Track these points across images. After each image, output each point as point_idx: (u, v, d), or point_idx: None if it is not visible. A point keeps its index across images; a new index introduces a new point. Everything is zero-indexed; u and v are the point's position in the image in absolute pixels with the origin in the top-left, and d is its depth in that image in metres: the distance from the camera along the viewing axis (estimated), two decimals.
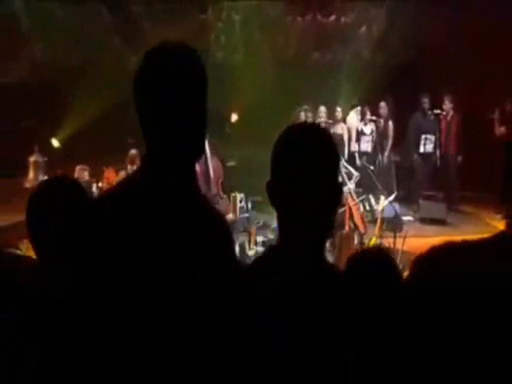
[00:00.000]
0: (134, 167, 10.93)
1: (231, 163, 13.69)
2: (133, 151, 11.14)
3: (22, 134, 12.07)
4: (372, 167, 11.22)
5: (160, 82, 2.26)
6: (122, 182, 2.48)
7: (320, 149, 2.23)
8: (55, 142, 12.34)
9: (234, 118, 14.49)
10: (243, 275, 2.32)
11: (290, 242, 2.23)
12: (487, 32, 13.75)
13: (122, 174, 11.09)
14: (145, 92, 2.29)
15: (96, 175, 11.07)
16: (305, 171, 2.18)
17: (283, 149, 2.26)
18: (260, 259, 2.33)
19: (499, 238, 2.27)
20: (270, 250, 2.34)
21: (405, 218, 13.53)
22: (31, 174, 10.72)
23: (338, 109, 14.21)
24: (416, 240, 12.57)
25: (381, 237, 10.82)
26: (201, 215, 2.36)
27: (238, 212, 11.46)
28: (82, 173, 10.97)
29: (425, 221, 13.63)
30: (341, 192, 2.30)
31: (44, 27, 13.63)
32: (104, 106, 12.57)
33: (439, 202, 13.82)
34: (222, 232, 2.45)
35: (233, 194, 11.64)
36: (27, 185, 10.23)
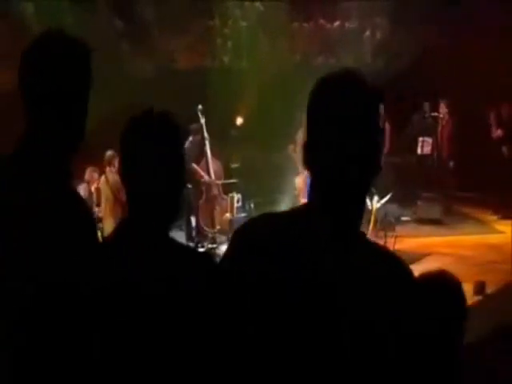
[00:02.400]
0: (112, 169, 10.82)
1: (235, 165, 13.92)
2: (109, 152, 10.93)
3: None
4: None
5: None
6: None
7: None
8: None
9: (240, 121, 14.83)
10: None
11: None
12: (486, 35, 13.96)
13: (102, 177, 11.08)
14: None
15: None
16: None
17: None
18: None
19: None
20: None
21: (403, 219, 13.82)
22: None
23: None
24: (413, 240, 12.77)
25: (374, 236, 10.67)
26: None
27: (234, 212, 11.78)
28: (92, 174, 11.26)
29: (422, 221, 13.79)
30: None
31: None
32: (111, 108, 12.86)
33: (436, 203, 13.97)
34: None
35: (230, 195, 11.98)
36: None
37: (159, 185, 2.36)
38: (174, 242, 2.44)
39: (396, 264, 2.12)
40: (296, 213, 2.16)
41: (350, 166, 2.01)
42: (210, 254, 8.74)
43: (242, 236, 2.17)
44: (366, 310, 1.98)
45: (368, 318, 1.98)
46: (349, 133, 2.01)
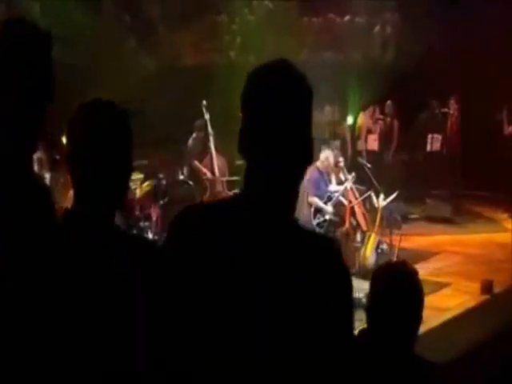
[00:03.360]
0: None
1: (240, 162, 13.62)
2: None
3: None
4: (369, 165, 11.26)
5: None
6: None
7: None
8: (65, 140, 12.48)
9: None
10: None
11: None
12: (496, 32, 13.81)
13: None
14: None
15: None
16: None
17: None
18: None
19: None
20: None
21: (411, 217, 13.65)
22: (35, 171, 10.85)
23: (342, 109, 14.34)
24: (422, 239, 12.65)
25: (380, 234, 10.79)
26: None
27: None
28: None
29: (431, 219, 13.61)
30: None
31: (59, 28, 13.82)
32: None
33: (446, 201, 13.82)
34: None
35: (233, 191, 11.71)
36: None
37: (104, 172, 2.35)
38: (118, 229, 2.47)
39: (327, 247, 2.16)
40: (231, 200, 2.22)
41: (281, 155, 2.05)
42: (154, 241, 8.56)
43: (177, 224, 2.17)
44: (296, 294, 2.02)
45: (299, 302, 2.03)
46: (280, 123, 2.05)
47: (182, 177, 11.32)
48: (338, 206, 10.56)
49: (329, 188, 10.47)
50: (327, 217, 10.30)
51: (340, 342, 2.13)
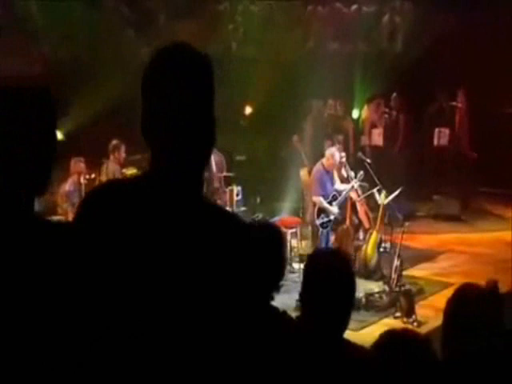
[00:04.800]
0: (116, 156, 11.05)
1: (241, 157, 13.48)
2: (114, 141, 11.04)
3: None
4: (369, 160, 10.91)
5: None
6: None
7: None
8: (58, 135, 12.25)
9: (248, 110, 14.28)
10: None
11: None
12: (506, 24, 13.43)
13: (103, 166, 11.03)
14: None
15: (95, 167, 10.96)
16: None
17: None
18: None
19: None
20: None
21: (418, 214, 13.49)
22: None
23: (346, 103, 13.97)
24: (428, 237, 12.49)
25: (383, 233, 10.55)
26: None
27: (234, 206, 11.27)
28: (77, 164, 10.88)
29: (438, 217, 13.41)
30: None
31: (57, 22, 13.62)
32: (110, 99, 12.50)
33: (454, 198, 13.57)
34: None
35: (230, 188, 11.44)
36: None
37: (24, 156, 2.22)
38: (36, 217, 2.35)
39: (234, 223, 2.22)
40: (139, 180, 2.23)
41: (181, 136, 2.10)
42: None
43: (86, 204, 2.20)
44: (200, 267, 2.07)
45: (203, 275, 2.07)
46: (179, 104, 2.09)
47: None
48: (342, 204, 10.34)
49: (334, 187, 10.10)
50: (332, 217, 10.00)
51: (241, 311, 2.17)
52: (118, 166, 11.03)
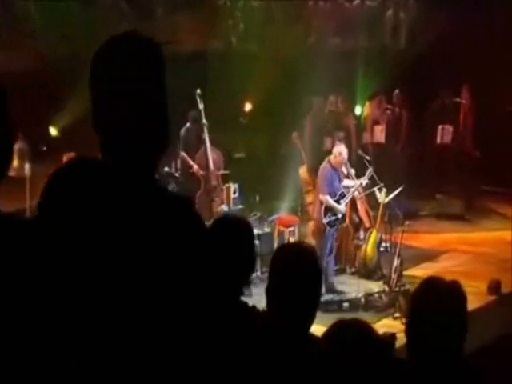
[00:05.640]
0: None
1: (239, 155, 13.33)
2: None
3: None
4: (368, 157, 10.73)
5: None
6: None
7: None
8: (53, 131, 12.15)
9: (248, 107, 14.06)
10: None
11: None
12: (511, 22, 13.24)
13: None
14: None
15: None
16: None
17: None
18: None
19: None
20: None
21: (421, 213, 13.38)
22: (16, 162, 10.45)
23: (348, 99, 13.76)
24: (430, 236, 12.39)
25: (383, 232, 10.51)
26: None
27: (231, 203, 11.07)
28: None
29: (441, 216, 13.25)
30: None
31: (56, 20, 13.51)
32: None
33: (457, 197, 13.41)
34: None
35: (226, 185, 11.24)
36: (12, 173, 9.93)
37: None
38: None
39: (185, 208, 2.21)
40: (94, 166, 2.21)
41: (132, 124, 2.11)
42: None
43: (45, 192, 2.19)
44: (150, 250, 2.06)
45: (153, 257, 2.06)
46: (128, 94, 2.10)
47: (166, 169, 10.72)
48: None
49: (342, 184, 9.89)
50: (339, 215, 9.77)
51: (194, 299, 2.14)
52: None
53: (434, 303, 3.06)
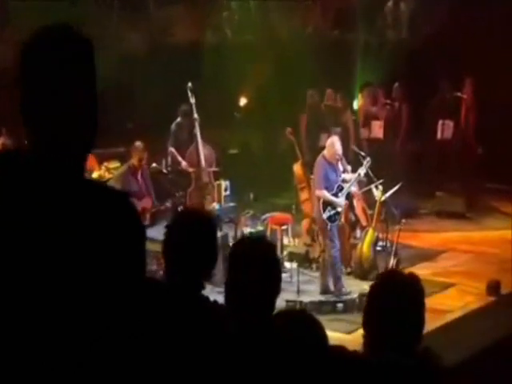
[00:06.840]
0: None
1: (233, 151, 13.17)
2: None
3: None
4: (363, 153, 10.47)
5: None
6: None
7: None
8: None
9: (243, 101, 13.79)
10: None
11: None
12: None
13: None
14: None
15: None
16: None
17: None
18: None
19: None
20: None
21: (421, 212, 13.21)
22: None
23: (346, 93, 13.48)
24: (430, 235, 12.23)
25: (380, 230, 10.26)
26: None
27: (222, 201, 10.79)
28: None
29: (442, 214, 13.04)
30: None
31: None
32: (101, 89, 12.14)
33: (458, 195, 13.24)
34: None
35: (217, 182, 10.95)
36: None
37: None
38: None
39: (117, 202, 2.18)
40: (18, 160, 2.14)
41: (59, 117, 2.07)
42: None
43: None
44: (84, 247, 2.05)
45: (87, 254, 2.04)
46: (55, 86, 2.07)
47: (154, 164, 10.44)
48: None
49: (339, 177, 9.62)
50: (339, 209, 9.50)
51: (131, 293, 2.12)
52: None
53: (389, 297, 3.12)
